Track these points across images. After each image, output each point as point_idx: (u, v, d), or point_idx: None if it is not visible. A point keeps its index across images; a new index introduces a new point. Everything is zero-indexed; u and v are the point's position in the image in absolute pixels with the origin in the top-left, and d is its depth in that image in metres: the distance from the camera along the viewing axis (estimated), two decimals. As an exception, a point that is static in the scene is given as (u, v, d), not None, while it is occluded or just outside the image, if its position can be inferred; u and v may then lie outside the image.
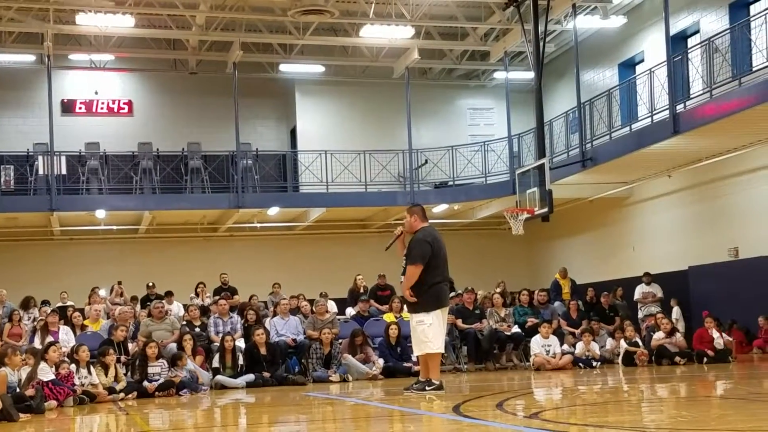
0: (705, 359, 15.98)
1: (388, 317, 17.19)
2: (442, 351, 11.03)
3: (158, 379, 13.17)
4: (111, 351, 13.27)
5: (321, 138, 25.03)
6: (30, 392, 10.91)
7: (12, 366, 11.37)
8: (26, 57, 23.92)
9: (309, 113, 26.01)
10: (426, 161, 24.70)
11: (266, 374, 14.43)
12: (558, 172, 20.03)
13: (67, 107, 25.13)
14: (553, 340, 16.31)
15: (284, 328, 16.17)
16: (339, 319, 17.27)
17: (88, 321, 16.45)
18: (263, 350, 14.71)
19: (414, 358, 13.97)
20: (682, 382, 12.47)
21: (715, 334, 16.34)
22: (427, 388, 10.61)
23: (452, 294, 19.33)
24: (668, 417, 7.90)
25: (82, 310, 17.15)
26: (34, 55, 23.75)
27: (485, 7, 22.38)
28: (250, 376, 14.34)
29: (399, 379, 14.20)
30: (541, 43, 19.77)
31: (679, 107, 17.46)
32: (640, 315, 19.55)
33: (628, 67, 22.66)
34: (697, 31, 19.95)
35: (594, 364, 16.17)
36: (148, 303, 18.30)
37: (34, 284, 21.14)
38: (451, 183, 24.43)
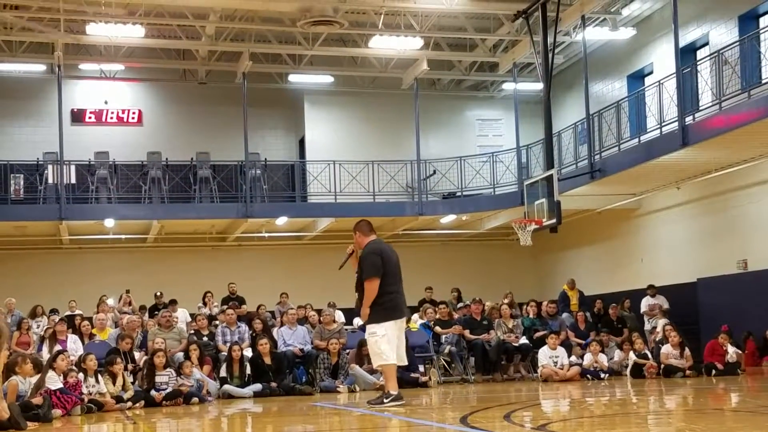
0: (714, 372, 15.93)
1: (396, 328, 17.13)
2: (398, 363, 10.64)
3: (166, 388, 13.18)
4: (118, 360, 13.29)
5: (329, 148, 25.06)
6: (37, 400, 10.93)
7: (23, 374, 11.40)
8: (37, 66, 24.02)
9: (318, 123, 26.05)
10: (434, 172, 24.71)
11: (273, 384, 14.42)
12: (566, 183, 20.01)
13: (77, 116, 25.21)
14: (561, 351, 16.29)
15: (292, 338, 16.18)
16: (346, 329, 17.26)
17: (95, 330, 16.47)
18: (268, 360, 14.72)
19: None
20: (691, 395, 12.42)
21: (730, 348, 16.29)
22: (385, 400, 10.41)
23: (459, 305, 19.43)
24: (676, 430, 7.87)
25: (90, 319, 17.18)
26: (44, 65, 23.85)
27: (494, 18, 22.41)
28: (258, 386, 14.35)
29: (406, 389, 14.16)
30: (550, 55, 19.77)
31: (688, 119, 17.43)
32: (648, 327, 19.49)
33: (637, 78, 22.65)
34: (707, 43, 19.94)
35: (602, 375, 16.13)
36: (156, 312, 18.34)
37: (43, 293, 21.19)
38: (459, 194, 24.42)
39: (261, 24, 22.04)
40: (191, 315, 18.42)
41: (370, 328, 10.56)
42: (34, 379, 11.53)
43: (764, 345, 18.16)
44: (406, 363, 11.13)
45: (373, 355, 10.72)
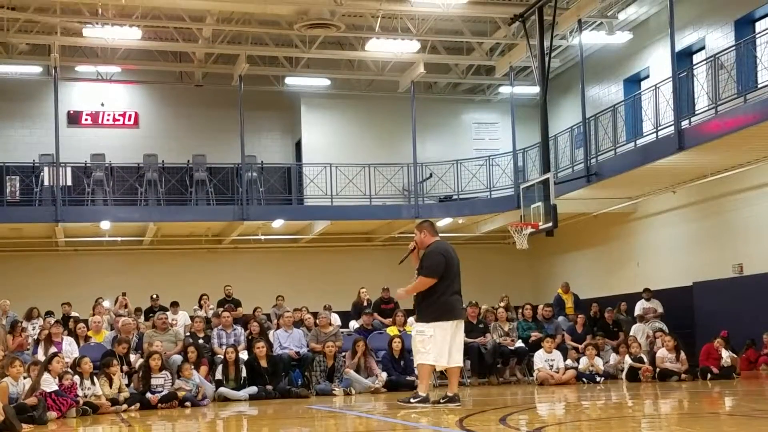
0: (709, 375, 15.95)
1: (392, 330, 17.18)
2: (451, 365, 10.70)
3: (161, 391, 13.16)
4: (114, 362, 13.28)
5: (326, 151, 25.07)
6: (31, 401, 10.91)
7: (13, 376, 11.37)
8: (33, 68, 24.02)
9: (314, 126, 26.06)
10: (431, 175, 24.73)
11: (269, 387, 14.42)
12: (562, 186, 20.03)
13: (74, 119, 25.21)
14: (557, 354, 16.30)
15: (288, 341, 16.17)
16: (342, 332, 17.26)
17: (90, 332, 16.46)
18: (264, 363, 14.71)
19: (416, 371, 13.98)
20: (686, 399, 12.43)
21: (724, 352, 16.32)
22: (412, 400, 10.54)
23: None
24: (672, 433, 7.88)
25: (86, 321, 17.16)
26: (41, 67, 23.84)
27: (491, 22, 22.43)
28: (253, 389, 14.34)
29: (402, 392, 14.16)
30: (547, 59, 19.81)
31: (684, 123, 17.46)
32: (632, 332, 19.44)
33: (634, 82, 22.68)
34: (703, 48, 19.98)
35: (597, 379, 16.14)
36: (152, 314, 18.32)
37: (39, 295, 21.17)
38: (455, 197, 24.45)
39: (258, 27, 22.06)
40: (191, 318, 18.40)
41: (418, 326, 10.70)
42: (27, 380, 11.52)
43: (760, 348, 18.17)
44: (461, 365, 11.11)
45: (415, 352, 10.80)
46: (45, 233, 23.35)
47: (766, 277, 18.25)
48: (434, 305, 10.56)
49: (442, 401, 10.60)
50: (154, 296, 20.18)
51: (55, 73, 22.12)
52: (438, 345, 10.50)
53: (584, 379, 16.05)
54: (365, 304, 19.28)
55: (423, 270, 10.63)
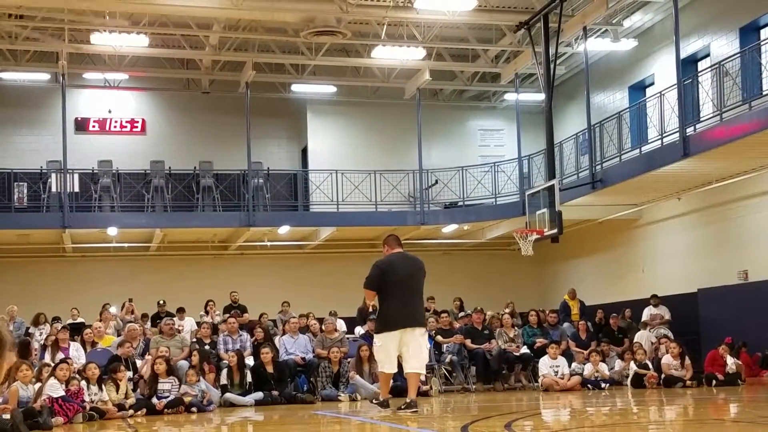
0: (714, 382, 15.96)
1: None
2: (393, 371, 11.17)
3: (168, 396, 13.22)
4: (122, 367, 13.35)
5: (332, 158, 25.14)
6: (37, 404, 10.96)
7: (23, 380, 11.44)
8: (41, 75, 24.13)
9: (320, 133, 26.14)
10: (436, 181, 24.77)
11: (275, 392, 14.47)
12: (568, 193, 20.07)
13: (81, 125, 25.31)
14: (562, 361, 16.33)
15: (293, 347, 16.23)
16: (348, 338, 17.31)
17: (97, 338, 16.52)
18: (270, 369, 14.77)
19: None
20: (691, 405, 12.45)
21: (729, 359, 16.33)
22: (373, 401, 11.05)
23: (461, 314, 19.47)
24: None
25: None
26: (48, 74, 23.95)
27: (496, 29, 22.49)
28: (259, 394, 14.40)
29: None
30: (552, 66, 19.85)
31: (689, 130, 17.49)
32: (637, 339, 19.45)
33: (639, 89, 22.72)
34: (708, 55, 20.01)
35: (603, 385, 16.16)
36: (158, 320, 18.38)
37: (46, 301, 21.23)
38: (461, 203, 24.48)
39: (264, 34, 22.14)
40: (197, 324, 18.46)
41: (375, 337, 11.23)
42: (37, 385, 11.58)
43: (765, 359, 18.13)
44: (418, 371, 11.26)
45: (377, 362, 11.26)
46: (52, 239, 23.44)
47: (772, 283, 18.26)
48: (381, 316, 11.14)
49: (401, 407, 10.69)
50: (161, 302, 20.26)
51: (63, 80, 22.23)
52: (386, 353, 10.91)
53: (589, 386, 16.08)
54: (370, 310, 19.26)
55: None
